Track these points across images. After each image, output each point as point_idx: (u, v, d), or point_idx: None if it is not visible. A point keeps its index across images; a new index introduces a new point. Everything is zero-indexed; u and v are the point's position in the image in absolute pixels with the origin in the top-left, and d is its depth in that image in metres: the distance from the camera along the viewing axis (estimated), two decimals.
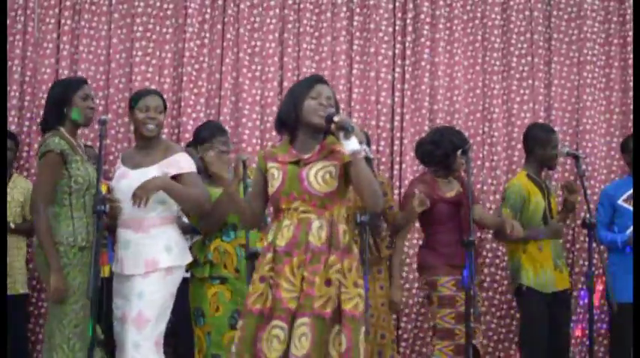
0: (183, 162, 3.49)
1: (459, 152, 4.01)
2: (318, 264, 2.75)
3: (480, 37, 5.47)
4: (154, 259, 3.39)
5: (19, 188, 4.67)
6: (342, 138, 2.71)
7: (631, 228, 4.40)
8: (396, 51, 5.41)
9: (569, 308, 4.48)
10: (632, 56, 5.46)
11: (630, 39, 5.50)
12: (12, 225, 4.53)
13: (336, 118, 2.72)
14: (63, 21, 5.14)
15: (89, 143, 4.80)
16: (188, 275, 3.74)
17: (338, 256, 2.78)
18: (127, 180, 3.48)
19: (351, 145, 2.70)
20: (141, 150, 3.56)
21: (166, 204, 3.47)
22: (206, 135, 3.78)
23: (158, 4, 5.23)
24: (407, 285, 5.09)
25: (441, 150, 4.13)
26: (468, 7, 5.50)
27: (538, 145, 4.40)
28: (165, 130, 5.09)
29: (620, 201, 4.42)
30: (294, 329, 2.70)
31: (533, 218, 4.32)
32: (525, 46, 5.49)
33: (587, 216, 3.92)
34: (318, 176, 2.80)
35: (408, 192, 4.21)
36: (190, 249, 3.72)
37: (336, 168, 2.82)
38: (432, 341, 4.13)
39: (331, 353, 2.72)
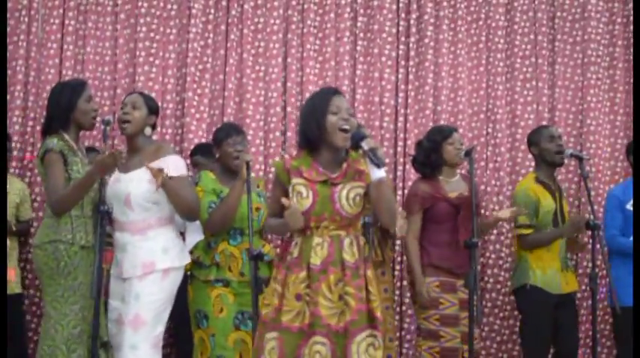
0: (172, 165, 3.45)
1: (463, 154, 4.01)
2: (359, 279, 2.82)
3: (483, 38, 5.47)
4: (151, 261, 3.38)
5: (14, 189, 4.63)
6: (370, 164, 2.74)
7: None
8: (400, 52, 5.41)
9: (576, 311, 4.41)
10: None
11: None
12: (14, 228, 4.53)
13: (365, 146, 2.73)
14: (67, 21, 5.13)
15: (97, 144, 4.81)
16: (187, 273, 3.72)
17: (370, 268, 2.89)
18: (119, 183, 3.47)
19: (378, 174, 2.74)
20: (133, 153, 3.55)
21: (160, 204, 3.44)
22: (222, 136, 3.81)
23: (162, 4, 5.22)
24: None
25: (421, 151, 4.16)
26: (472, 8, 5.49)
27: (534, 145, 4.36)
28: (169, 131, 5.10)
29: (628, 206, 4.37)
30: (355, 344, 2.75)
31: (544, 221, 4.28)
32: (529, 47, 5.48)
33: (591, 217, 3.91)
34: (349, 198, 2.85)
35: (411, 192, 4.19)
36: (191, 252, 3.72)
37: (364, 189, 2.87)
38: (417, 341, 4.11)
39: None
